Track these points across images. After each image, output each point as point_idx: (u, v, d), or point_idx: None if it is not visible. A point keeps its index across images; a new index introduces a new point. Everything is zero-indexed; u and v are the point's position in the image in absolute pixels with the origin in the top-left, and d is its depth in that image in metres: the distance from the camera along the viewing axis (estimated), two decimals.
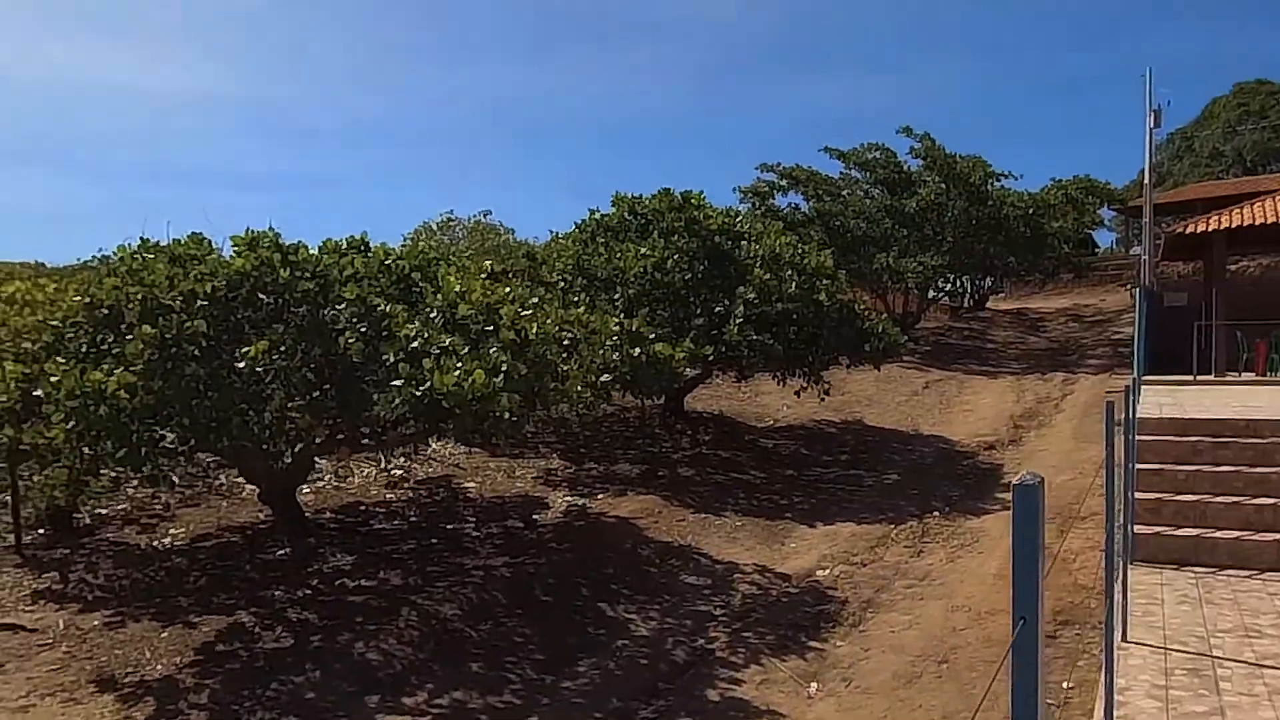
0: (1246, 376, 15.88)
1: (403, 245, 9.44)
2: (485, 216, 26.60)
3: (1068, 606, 7.93)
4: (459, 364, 6.60)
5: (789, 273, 12.84)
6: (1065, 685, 6.58)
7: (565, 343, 8.50)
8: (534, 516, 9.78)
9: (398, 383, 6.54)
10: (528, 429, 10.07)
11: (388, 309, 7.17)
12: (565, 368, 8.22)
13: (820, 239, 22.52)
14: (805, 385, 13.46)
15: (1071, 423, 15.22)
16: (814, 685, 6.83)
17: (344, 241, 8.13)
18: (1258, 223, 16.23)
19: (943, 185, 24.32)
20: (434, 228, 25.10)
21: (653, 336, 10.24)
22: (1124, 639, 6.13)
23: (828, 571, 9.24)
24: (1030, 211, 24.42)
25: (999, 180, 25.22)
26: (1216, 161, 47.69)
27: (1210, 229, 16.58)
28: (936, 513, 10.99)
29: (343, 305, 7.21)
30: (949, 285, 28.05)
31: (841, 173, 26.29)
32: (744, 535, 10.11)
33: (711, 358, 11.90)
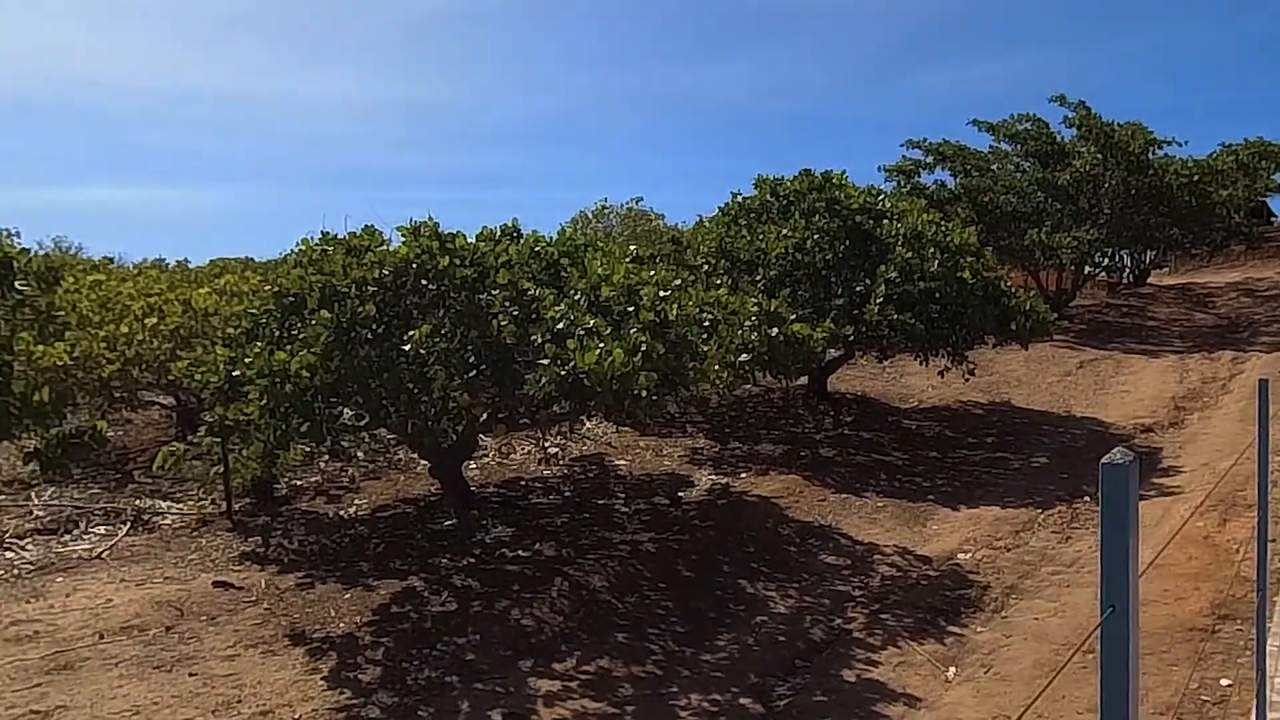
0: None
1: (559, 232, 9.71)
2: (637, 203, 27.15)
3: (1228, 599, 7.44)
4: (600, 344, 6.74)
5: (931, 251, 12.44)
6: (1224, 683, 6.21)
7: (705, 324, 8.54)
8: (679, 494, 9.94)
9: (544, 362, 6.76)
10: (672, 409, 10.20)
11: (537, 293, 7.40)
12: (704, 348, 8.27)
13: (968, 215, 21.60)
14: (949, 365, 13.04)
15: (1240, 404, 14.13)
16: (952, 670, 6.70)
17: (498, 229, 8.43)
18: None
19: (1099, 155, 22.79)
20: (589, 215, 25.74)
21: (792, 317, 10.16)
22: None
23: (970, 555, 8.98)
24: (1196, 179, 22.57)
25: (1161, 148, 23.35)
26: None
27: None
28: (1087, 498, 10.47)
29: (496, 290, 7.48)
30: (1106, 260, 26.31)
31: (991, 146, 25.01)
32: (884, 516, 9.95)
33: (852, 337, 11.70)
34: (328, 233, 7.82)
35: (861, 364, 15.89)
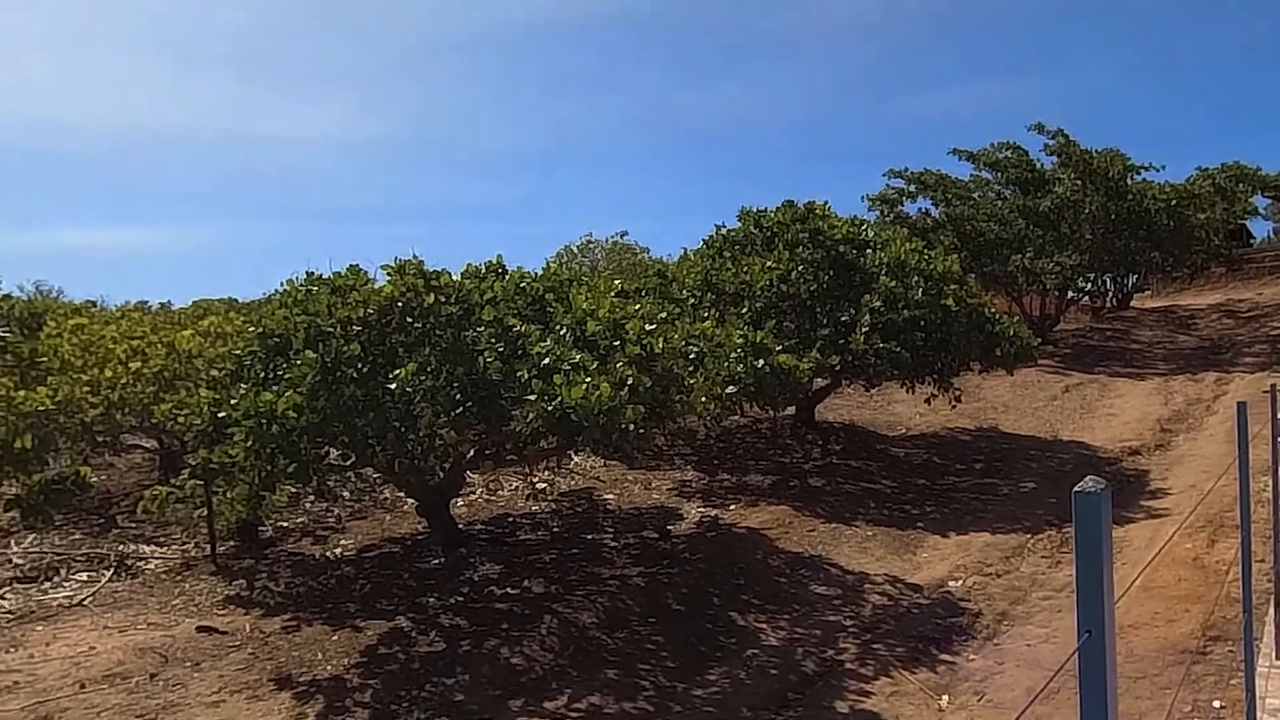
0: None
1: (544, 267, 9.76)
2: (621, 237, 27.37)
3: (1219, 621, 7.44)
4: (587, 379, 6.77)
5: (915, 279, 12.53)
6: (1216, 704, 6.20)
7: (691, 356, 8.58)
8: (668, 527, 9.90)
9: (531, 398, 6.77)
10: (660, 442, 10.21)
11: (522, 329, 7.43)
12: (691, 380, 8.30)
13: (951, 243, 21.80)
14: (935, 393, 13.10)
15: (1224, 425, 14.20)
16: (945, 699, 6.66)
17: (483, 266, 8.47)
18: None
19: (1078, 182, 23.07)
20: (574, 250, 25.90)
21: (779, 348, 10.20)
22: (1278, 657, 5.74)
23: (960, 582, 8.97)
24: (1174, 204, 22.86)
25: (1139, 173, 23.70)
26: None
27: None
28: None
29: (482, 327, 7.51)
30: (1089, 285, 26.54)
31: (972, 174, 25.31)
32: (875, 545, 9.93)
33: (838, 367, 11.74)
34: (312, 273, 7.83)
35: (849, 393, 15.93)
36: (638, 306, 8.47)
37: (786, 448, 13.46)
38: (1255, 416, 6.68)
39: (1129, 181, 23.37)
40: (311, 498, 9.62)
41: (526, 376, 7.00)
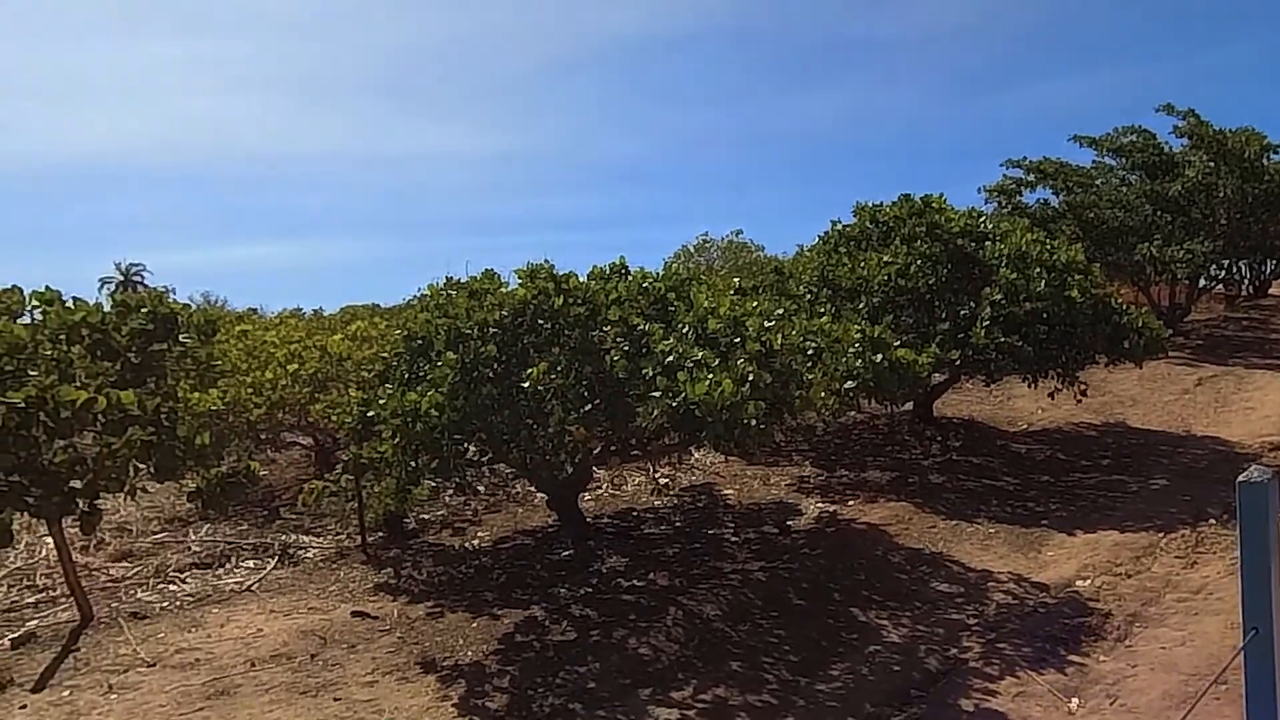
0: None
1: (664, 267, 9.84)
2: (737, 236, 26.90)
3: None
4: (709, 375, 6.78)
5: (1037, 270, 12.03)
6: None
7: (809, 352, 8.48)
8: (788, 522, 9.84)
9: (656, 395, 6.83)
10: (779, 438, 10.15)
11: (646, 328, 7.50)
12: (810, 376, 8.21)
13: (1073, 232, 20.80)
14: (1059, 387, 12.55)
15: None
16: (1074, 701, 6.41)
17: (607, 268, 8.59)
18: None
19: (1211, 164, 21.64)
20: (691, 250, 25.83)
21: (897, 343, 9.98)
22: None
23: (1088, 582, 8.59)
24: None
25: (1277, 152, 22.07)
26: None
27: None
28: (1213, 520, 9.89)
29: (608, 327, 7.62)
30: (1223, 272, 24.87)
31: (1094, 161, 24.07)
32: (997, 543, 9.61)
33: (958, 361, 11.40)
34: (451, 278, 8.13)
35: (967, 388, 15.44)
36: (756, 304, 8.44)
37: (904, 444, 13.16)
38: None
39: (1266, 162, 21.78)
40: (450, 491, 9.98)
41: (651, 374, 7.06)
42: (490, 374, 7.40)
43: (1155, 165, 22.99)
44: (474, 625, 7.23)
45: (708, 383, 6.68)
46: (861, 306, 11.92)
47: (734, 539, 9.34)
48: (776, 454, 12.30)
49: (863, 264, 12.49)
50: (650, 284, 8.42)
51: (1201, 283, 23.65)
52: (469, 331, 7.47)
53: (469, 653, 6.78)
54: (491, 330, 7.51)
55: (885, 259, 12.40)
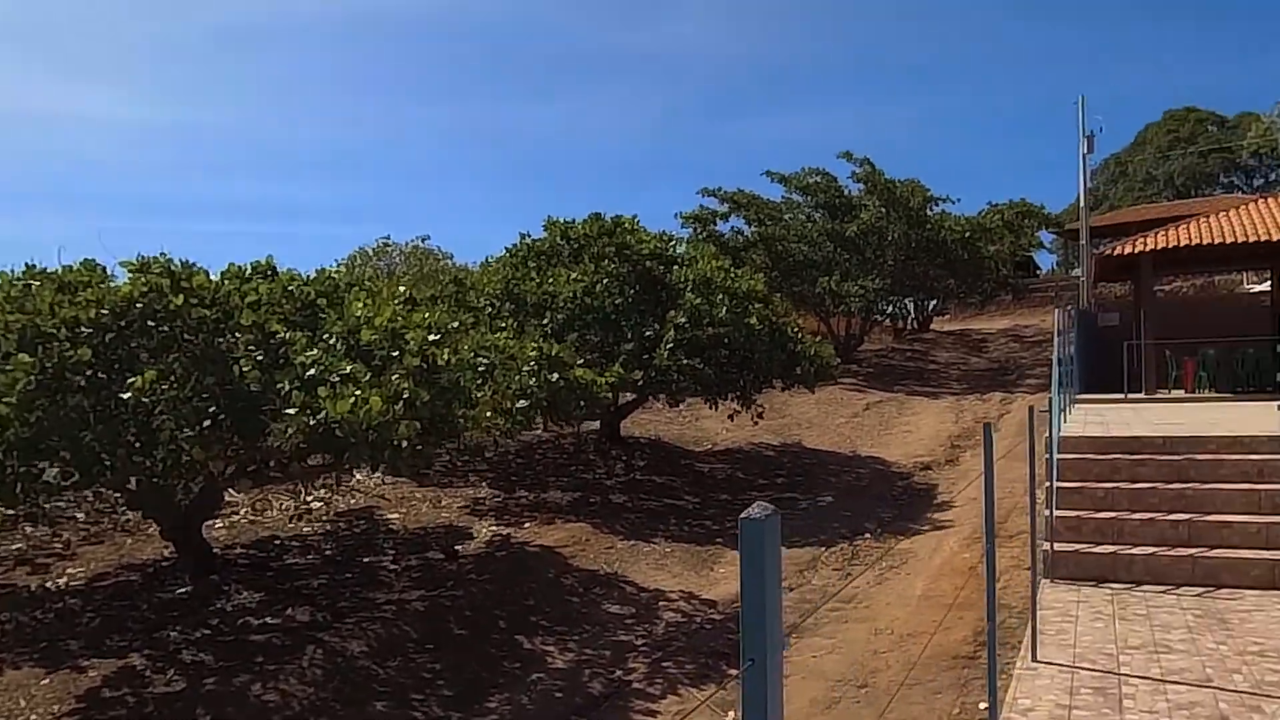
0: (1176, 394, 16.06)
1: (336, 269, 9.25)
2: (423, 241, 26.06)
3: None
4: (357, 391, 6.41)
5: (720, 297, 12.78)
6: (982, 706, 6.48)
7: (481, 368, 8.33)
8: (455, 547, 9.52)
9: (291, 411, 6.32)
10: (447, 459, 9.86)
11: (287, 335, 6.95)
12: (479, 394, 8.04)
13: (763, 263, 22.58)
14: (738, 409, 13.38)
15: (1006, 442, 15.23)
16: (731, 715, 6.66)
17: (248, 266, 7.89)
18: (1181, 244, 16.45)
19: (883, 209, 24.53)
20: (369, 253, 24.51)
21: (580, 362, 10.10)
22: (1034, 659, 6.05)
23: None
24: (968, 235, 24.69)
25: (938, 204, 25.54)
26: (1150, 186, 48.84)
27: (1137, 250, 16.82)
28: (868, 534, 10.91)
29: (240, 333, 6.98)
30: (891, 308, 28.23)
31: (784, 197, 26.44)
32: (672, 562, 9.94)
33: (641, 382, 11.77)
34: (33, 265, 7.00)
35: (657, 408, 16.07)
36: (425, 315, 8.14)
37: (590, 464, 13.37)
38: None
39: (928, 212, 25.06)
40: (27, 522, 8.58)
41: (288, 388, 6.54)
42: (82, 382, 6.43)
43: (836, 206, 25.65)
44: (46, 683, 6.17)
45: (354, 399, 6.31)
46: (546, 323, 11.98)
47: (393, 567, 8.86)
48: (451, 474, 11.97)
49: (551, 280, 12.59)
50: (298, 287, 7.85)
51: (874, 316, 26.62)
52: (54, 331, 6.45)
53: (33, 717, 5.76)
54: (84, 331, 6.55)
55: (574, 276, 12.59)
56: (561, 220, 13.89)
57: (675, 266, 13.50)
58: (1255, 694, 5.09)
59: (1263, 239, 15.88)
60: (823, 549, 10.48)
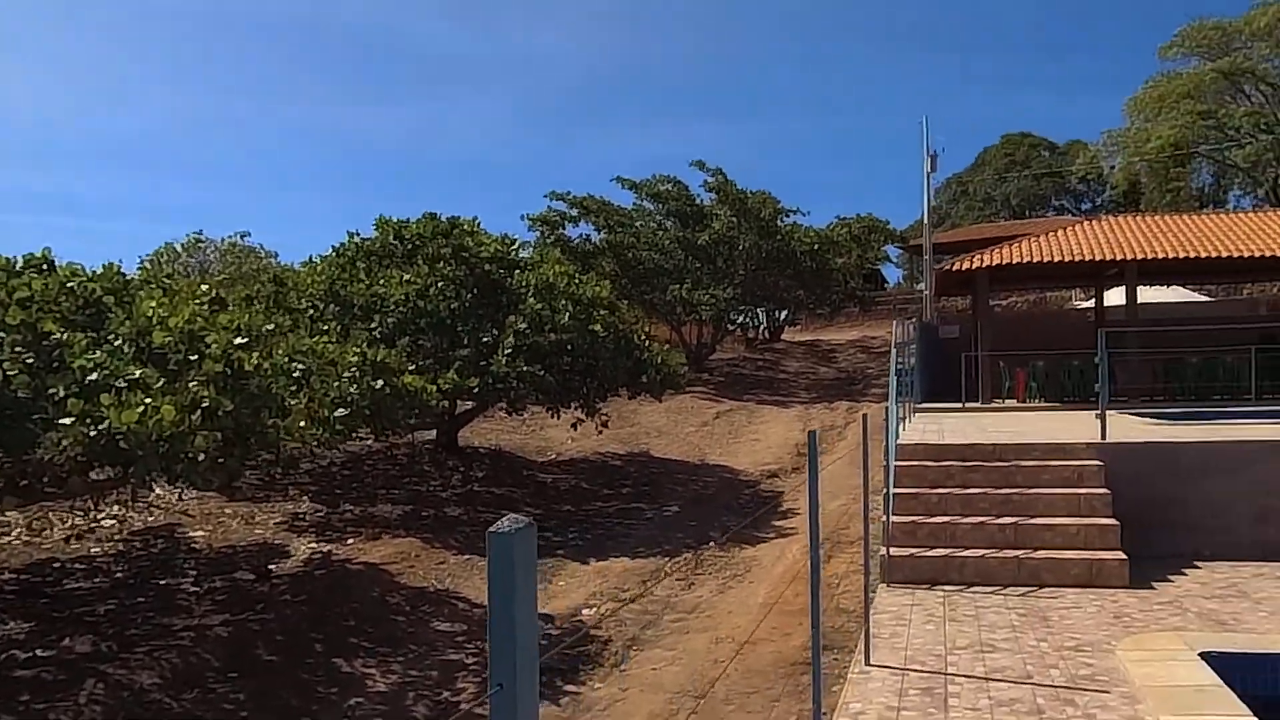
0: (1010, 403, 16.96)
1: (141, 265, 8.53)
2: (242, 238, 24.51)
3: (828, 631, 7.93)
4: (147, 399, 5.89)
5: (563, 302, 12.61)
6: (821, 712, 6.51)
7: (295, 375, 7.85)
8: (268, 567, 8.94)
9: (67, 421, 5.74)
10: (258, 470, 9.27)
11: (64, 337, 6.34)
12: (292, 402, 7.58)
13: (612, 270, 22.59)
14: (582, 417, 13.23)
15: (850, 450, 15.72)
16: None
17: (20, 260, 7.18)
18: (1015, 261, 17.48)
19: (734, 219, 25.00)
20: (179, 250, 22.78)
21: (411, 368, 9.71)
22: (868, 662, 6.12)
23: (594, 610, 8.94)
24: (816, 247, 25.48)
25: (788, 216, 26.27)
26: (989, 205, 52.07)
27: (975, 266, 17.74)
28: (712, 543, 10.94)
29: (6, 333, 6.33)
30: (743, 317, 28.82)
31: (634, 204, 26.59)
32: None
33: (478, 389, 11.45)
34: None
35: (500, 417, 15.74)
36: (232, 317, 7.61)
37: (424, 475, 12.91)
38: (874, 444, 7.40)
39: (779, 223, 25.72)
40: None
41: (63, 394, 5.95)
42: None
43: (688, 214, 25.98)
44: None
45: (143, 408, 5.80)
46: (375, 327, 11.50)
47: (194, 590, 8.22)
48: (269, 488, 11.29)
49: (382, 281, 12.12)
50: (80, 284, 7.19)
51: (726, 325, 27.08)
52: None
53: None
54: None
55: (406, 278, 12.15)
56: (395, 219, 13.40)
57: (517, 271, 13.25)
58: (1070, 688, 5.28)
59: (1087, 259, 17.09)
60: (667, 559, 10.44)
